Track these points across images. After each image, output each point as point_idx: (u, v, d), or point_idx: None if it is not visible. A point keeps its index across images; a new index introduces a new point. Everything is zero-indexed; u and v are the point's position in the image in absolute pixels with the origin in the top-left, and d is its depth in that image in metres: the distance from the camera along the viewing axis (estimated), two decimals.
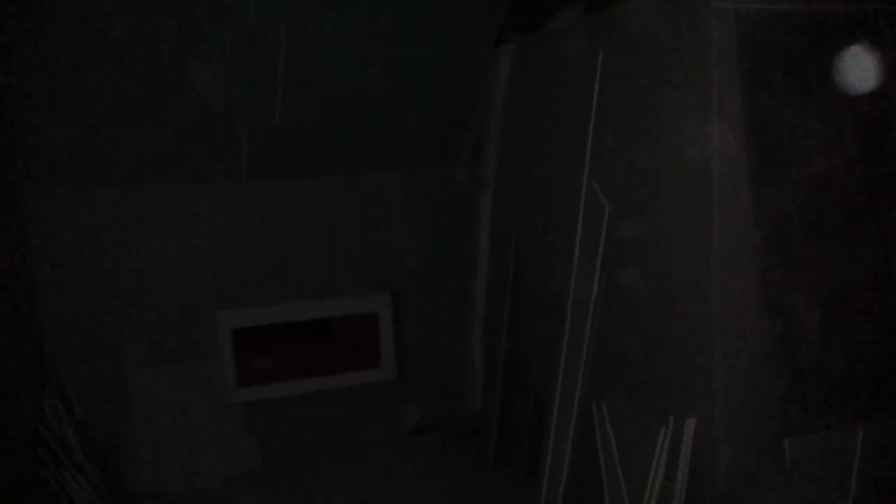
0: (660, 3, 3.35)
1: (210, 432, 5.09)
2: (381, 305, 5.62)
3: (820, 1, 3.19)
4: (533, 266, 4.85)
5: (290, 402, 5.40)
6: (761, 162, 3.10)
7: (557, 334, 4.16)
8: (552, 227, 4.52)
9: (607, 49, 3.81)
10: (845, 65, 3.17)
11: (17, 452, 3.80)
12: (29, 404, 4.17)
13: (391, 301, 5.64)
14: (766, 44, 3.08)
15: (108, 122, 4.51)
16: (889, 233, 3.29)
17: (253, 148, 4.94)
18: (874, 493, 2.94)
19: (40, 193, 4.65)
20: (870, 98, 3.25)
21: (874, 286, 3.26)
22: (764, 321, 3.11)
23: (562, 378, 4.10)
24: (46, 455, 4.10)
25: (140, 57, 4.30)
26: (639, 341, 3.60)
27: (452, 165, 5.74)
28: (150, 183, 4.91)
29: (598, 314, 3.88)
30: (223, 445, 5.14)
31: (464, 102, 5.36)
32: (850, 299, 3.23)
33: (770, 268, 3.11)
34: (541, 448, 4.21)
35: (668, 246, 3.38)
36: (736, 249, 3.09)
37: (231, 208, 5.15)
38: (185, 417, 5.04)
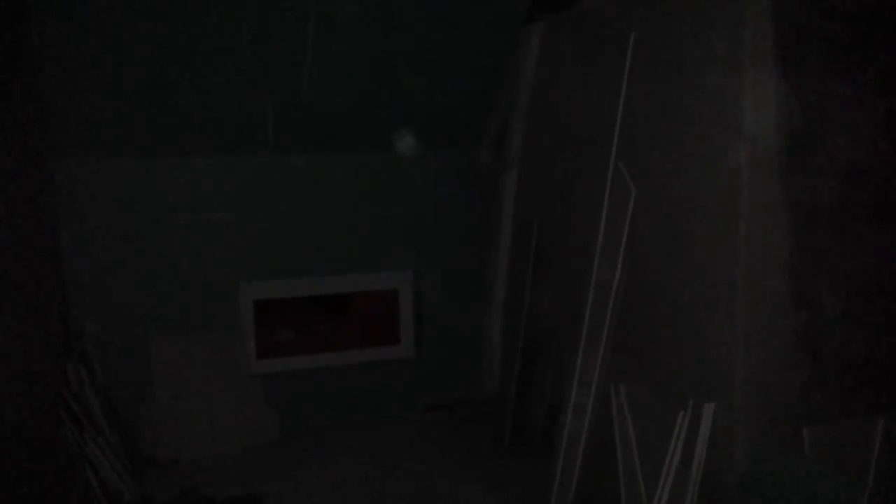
0: None
1: (230, 402, 5.15)
2: (402, 283, 5.64)
3: None
4: (555, 247, 4.84)
5: (309, 374, 5.45)
6: (791, 148, 3.06)
7: (578, 316, 4.14)
8: (576, 209, 4.50)
9: (639, 29, 3.77)
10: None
11: (40, 414, 3.86)
12: (53, 368, 4.24)
13: (412, 279, 5.65)
14: (802, 28, 3.03)
15: (137, 92, 4.55)
16: None
17: (280, 121, 4.96)
18: (892, 483, 2.92)
19: (69, 162, 4.71)
20: None
21: None
22: (788, 310, 3.08)
23: (581, 360, 4.09)
24: (68, 418, 4.17)
25: (169, 28, 4.31)
26: (661, 326, 3.58)
27: (478, 145, 5.72)
28: (178, 154, 4.95)
29: (621, 297, 3.86)
30: (242, 415, 5.20)
31: (491, 81, 5.33)
32: (873, 290, 3.19)
33: (796, 256, 3.08)
34: (557, 429, 4.22)
35: (694, 231, 3.35)
36: (763, 236, 3.05)
37: (257, 181, 5.18)
38: (206, 386, 5.10)
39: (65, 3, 4.07)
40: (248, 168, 5.14)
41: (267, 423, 5.29)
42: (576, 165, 4.54)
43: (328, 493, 4.45)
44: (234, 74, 4.61)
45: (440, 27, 4.78)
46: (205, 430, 5.08)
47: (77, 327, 4.76)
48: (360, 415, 5.57)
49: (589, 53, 4.38)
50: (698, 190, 3.33)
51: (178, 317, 5.07)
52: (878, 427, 2.98)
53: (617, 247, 3.88)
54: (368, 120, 5.16)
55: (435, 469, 4.76)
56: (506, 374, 5.42)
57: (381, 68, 4.89)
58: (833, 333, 3.12)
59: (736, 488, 3.06)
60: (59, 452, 4.06)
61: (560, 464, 4.08)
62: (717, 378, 3.16)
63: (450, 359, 5.82)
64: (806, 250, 3.08)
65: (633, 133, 3.84)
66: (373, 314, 5.80)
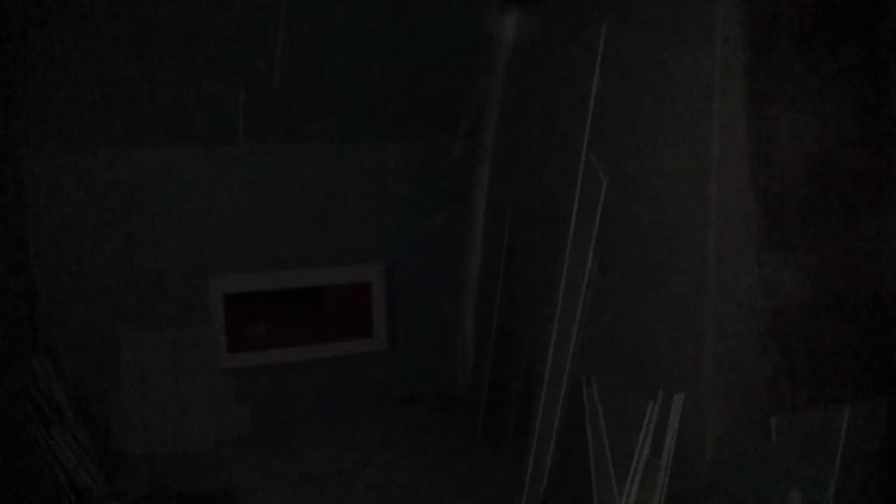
0: None
1: (200, 396, 5.10)
2: (375, 275, 5.62)
3: None
4: (527, 239, 4.84)
5: (282, 368, 5.42)
6: (761, 137, 3.07)
7: (550, 308, 4.15)
8: (548, 201, 4.50)
9: (611, 20, 3.77)
10: None
11: (5, 408, 3.80)
12: (19, 363, 4.17)
13: (385, 271, 5.63)
14: (773, 17, 3.04)
15: (105, 82, 4.47)
16: (884, 215, 3.28)
17: (250, 111, 4.91)
18: (858, 471, 2.95)
19: (35, 153, 4.63)
20: (870, 78, 3.22)
21: (866, 268, 3.26)
22: (756, 300, 3.10)
23: (552, 352, 4.10)
24: (35, 414, 4.11)
25: (137, 16, 4.24)
26: (631, 317, 3.59)
27: (451, 137, 5.70)
28: (146, 144, 4.89)
29: (592, 289, 3.87)
30: (213, 410, 5.15)
31: (464, 72, 5.31)
32: (841, 280, 3.22)
33: (765, 246, 3.10)
34: (529, 421, 4.22)
35: (664, 222, 3.36)
36: (732, 227, 3.07)
37: (227, 172, 5.13)
38: (176, 381, 5.05)
39: None
40: (217, 159, 5.09)
41: (238, 417, 5.25)
42: (548, 157, 4.54)
43: (300, 487, 4.43)
44: (202, 63, 4.55)
45: (414, 16, 4.75)
46: (175, 424, 5.03)
47: (43, 322, 4.69)
48: (333, 408, 5.54)
49: (562, 44, 4.38)
50: (669, 182, 3.34)
51: (148, 311, 5.00)
52: (845, 416, 3.01)
53: (588, 238, 3.88)
54: (340, 110, 5.13)
55: (408, 462, 4.75)
56: (479, 366, 5.43)
57: (354, 58, 4.85)
58: (800, 324, 3.15)
59: (705, 477, 3.08)
60: (25, 447, 4.00)
61: (532, 455, 4.09)
62: (687, 369, 3.18)
63: (423, 351, 5.81)
64: (774, 240, 3.10)
65: (605, 124, 3.84)
66: (345, 307, 5.77)
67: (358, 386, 5.64)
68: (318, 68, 4.83)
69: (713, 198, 3.05)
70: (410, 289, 5.73)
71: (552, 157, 4.47)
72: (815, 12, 3.12)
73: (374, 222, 5.56)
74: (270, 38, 4.56)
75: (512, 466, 4.40)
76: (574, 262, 4.00)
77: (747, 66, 3.03)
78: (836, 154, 3.20)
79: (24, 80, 4.31)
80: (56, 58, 4.27)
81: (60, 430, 4.20)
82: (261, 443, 5.11)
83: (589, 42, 3.91)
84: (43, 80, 4.35)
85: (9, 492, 3.62)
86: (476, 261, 5.67)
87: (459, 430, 5.24)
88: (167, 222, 5.00)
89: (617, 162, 3.73)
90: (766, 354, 3.10)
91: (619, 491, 3.33)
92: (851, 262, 3.23)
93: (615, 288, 3.73)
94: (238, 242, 5.21)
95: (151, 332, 5.00)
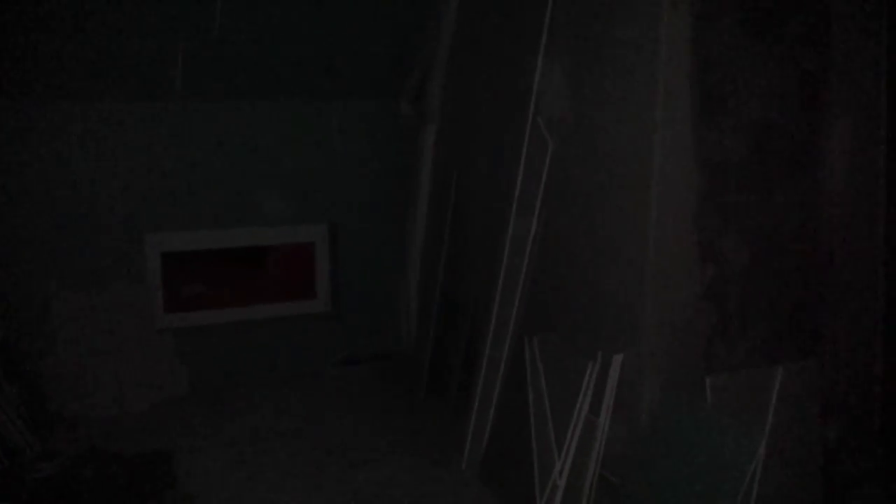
0: None
1: (137, 357, 5.00)
2: (318, 236, 5.56)
3: None
4: (473, 202, 4.84)
5: (222, 329, 5.34)
6: (704, 105, 3.11)
7: (494, 270, 4.17)
8: (494, 163, 4.49)
9: None
10: None
11: None
12: None
13: (328, 232, 5.57)
14: None
15: (36, 34, 4.27)
16: (823, 181, 3.36)
17: (189, 66, 4.75)
18: (788, 430, 3.06)
19: None
20: (811, 48, 3.27)
21: (801, 232, 3.34)
22: (695, 263, 3.16)
23: (496, 313, 4.12)
24: None
25: None
26: (573, 279, 3.63)
27: (397, 96, 5.63)
28: (80, 98, 4.70)
29: (536, 251, 3.90)
30: (150, 371, 5.06)
31: (411, 32, 5.24)
32: (777, 244, 3.30)
33: (705, 211, 3.15)
34: (472, 380, 4.26)
35: (607, 185, 3.39)
36: (673, 191, 3.11)
37: (164, 128, 4.98)
38: (112, 341, 4.93)
39: None
40: (154, 114, 4.93)
41: (177, 378, 5.16)
42: (494, 119, 4.52)
43: (240, 448, 4.39)
44: (139, 15, 4.38)
45: None
46: (112, 385, 4.93)
47: None
48: (275, 370, 5.49)
49: (509, 6, 4.34)
50: (613, 144, 3.36)
51: (81, 270, 4.86)
52: (777, 376, 3.10)
53: (533, 201, 3.89)
54: (284, 67, 5.01)
55: (351, 421, 4.75)
56: (423, 328, 5.43)
57: (297, 13, 4.73)
58: (738, 286, 3.22)
59: (642, 435, 3.15)
60: None
61: (474, 415, 4.13)
62: (626, 330, 3.23)
63: (367, 313, 5.78)
64: (714, 205, 3.16)
65: (552, 87, 3.83)
66: (289, 268, 5.71)
67: (300, 348, 5.60)
68: (260, 21, 4.70)
69: (655, 162, 3.08)
70: (354, 250, 5.68)
71: (499, 119, 4.45)
72: None
73: (318, 182, 5.48)
74: None
75: (454, 425, 4.44)
76: (519, 224, 4.01)
77: (693, 33, 3.05)
78: (777, 121, 3.26)
79: None
80: None
81: None
82: (200, 404, 5.04)
83: (537, 4, 3.89)
84: None
85: None
86: (421, 222, 5.64)
87: (403, 389, 5.26)
88: (100, 179, 4.85)
89: (562, 125, 3.74)
90: (703, 316, 3.17)
91: (559, 449, 3.39)
92: (788, 226, 3.31)
93: (558, 249, 3.76)
94: (176, 200, 5.08)
95: (85, 291, 4.87)
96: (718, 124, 3.14)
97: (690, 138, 3.10)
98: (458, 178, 5.01)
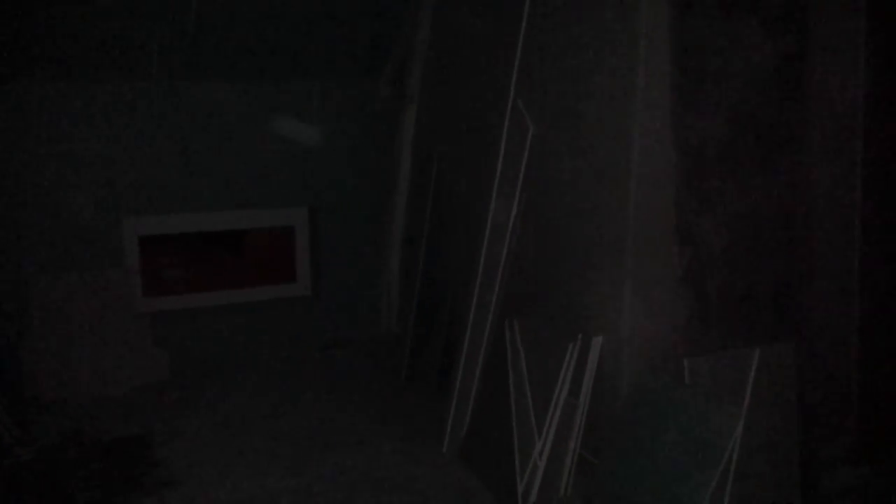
0: None
1: (115, 341, 4.97)
2: (298, 219, 5.53)
3: None
4: (453, 185, 4.83)
5: (201, 313, 5.31)
6: (684, 87, 3.11)
7: (475, 253, 4.17)
8: (475, 146, 4.48)
9: None
10: None
11: None
12: None
13: (308, 215, 5.54)
14: None
15: (16, 16, 4.20)
16: (799, 164, 3.38)
17: (166, 48, 4.68)
18: (766, 411, 3.09)
19: None
20: (790, 31, 3.28)
21: (780, 216, 3.37)
22: (674, 246, 3.17)
23: (477, 296, 4.13)
24: None
25: None
26: (553, 262, 3.64)
27: (377, 79, 5.59)
28: (58, 80, 4.63)
29: (517, 234, 3.90)
30: (130, 355, 5.03)
31: (391, 13, 5.19)
32: (755, 228, 3.32)
33: (684, 193, 3.16)
34: (453, 363, 4.27)
35: (587, 169, 3.39)
36: (653, 174, 3.12)
37: (142, 110, 4.93)
38: (90, 326, 4.90)
39: None
40: (132, 96, 4.87)
41: (156, 362, 5.14)
42: (475, 102, 4.51)
43: (220, 432, 4.38)
44: None
45: None
46: (90, 369, 4.90)
47: None
48: (255, 354, 5.47)
49: None
50: (593, 129, 3.36)
51: (59, 253, 4.82)
52: (755, 358, 3.13)
53: (514, 185, 3.89)
54: (261, 47, 4.96)
55: (331, 405, 4.75)
56: (404, 311, 5.43)
57: None
58: (716, 269, 3.24)
59: (620, 417, 3.18)
60: None
61: (455, 398, 4.15)
62: (605, 312, 3.25)
63: (347, 297, 5.77)
64: (693, 189, 3.17)
65: (532, 70, 3.82)
66: (269, 251, 5.67)
67: (281, 331, 5.59)
68: (237, 3, 4.64)
69: (635, 146, 3.09)
70: (335, 233, 5.66)
71: (479, 102, 4.43)
72: None
73: (298, 165, 5.44)
74: None
75: (435, 408, 4.45)
76: (499, 208, 4.01)
77: (673, 18, 3.05)
78: (755, 105, 3.27)
79: None
80: None
81: None
82: (180, 388, 5.02)
83: None
84: None
85: None
86: (402, 204, 5.63)
87: (384, 373, 5.26)
88: (78, 162, 4.79)
89: (543, 109, 3.73)
90: (682, 299, 3.19)
91: (539, 430, 3.41)
92: (766, 210, 3.33)
93: (539, 233, 3.76)
94: (154, 183, 5.03)
95: (62, 275, 4.82)
96: (698, 108, 3.15)
97: (670, 123, 3.11)
98: (438, 160, 4.99)
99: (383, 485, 3.77)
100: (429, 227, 5.05)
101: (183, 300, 5.27)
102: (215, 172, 5.18)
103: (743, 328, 3.32)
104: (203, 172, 5.15)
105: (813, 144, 3.39)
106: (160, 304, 5.18)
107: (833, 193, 3.44)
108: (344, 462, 4.00)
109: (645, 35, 3.03)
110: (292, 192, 5.48)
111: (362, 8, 5.01)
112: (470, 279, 4.19)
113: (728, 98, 3.21)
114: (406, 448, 4.17)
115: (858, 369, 3.54)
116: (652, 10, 3.03)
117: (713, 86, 3.18)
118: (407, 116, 5.46)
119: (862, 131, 3.44)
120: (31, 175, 4.68)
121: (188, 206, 5.15)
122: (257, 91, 5.21)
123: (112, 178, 4.89)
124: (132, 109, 4.89)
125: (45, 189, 4.73)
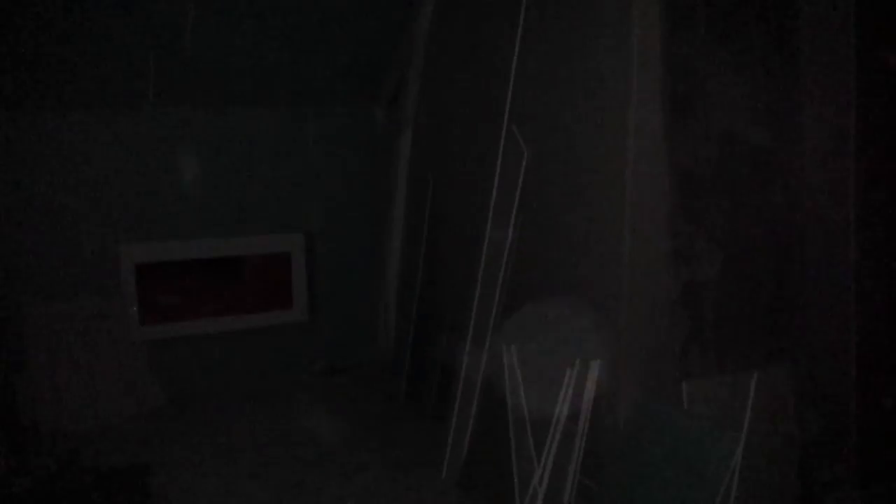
0: None
1: (113, 370, 4.95)
2: (295, 246, 5.53)
3: None
4: (450, 209, 4.84)
5: (198, 340, 5.29)
6: (676, 112, 3.13)
7: (471, 277, 4.17)
8: (470, 170, 4.50)
9: None
10: None
11: None
12: None
13: (305, 241, 5.55)
14: None
15: (11, 44, 4.22)
16: (791, 187, 3.40)
17: (161, 76, 4.71)
18: (765, 433, 3.08)
19: None
20: (780, 54, 3.31)
21: (773, 239, 3.37)
22: (669, 269, 3.17)
23: (474, 321, 4.12)
24: None
25: None
26: (550, 286, 3.64)
27: (373, 104, 5.63)
28: (55, 108, 4.65)
29: (513, 258, 3.90)
30: (126, 383, 5.00)
31: (386, 39, 5.23)
32: (750, 251, 3.33)
33: (677, 217, 3.17)
34: (451, 387, 4.25)
35: (582, 193, 3.40)
36: (646, 198, 3.13)
37: (138, 138, 4.94)
38: (87, 354, 4.88)
39: None
40: (129, 124, 4.89)
41: (153, 390, 5.11)
42: (470, 126, 4.53)
43: (217, 460, 4.35)
44: (111, 25, 4.34)
45: None
46: (87, 398, 4.87)
47: None
48: (252, 381, 5.45)
49: (483, 12, 4.36)
50: (587, 153, 3.37)
51: (55, 281, 4.81)
52: (753, 380, 3.13)
53: (509, 208, 3.90)
54: (257, 74, 4.98)
55: (328, 431, 4.72)
56: (401, 335, 5.42)
57: (271, 22, 4.71)
58: (710, 293, 3.24)
59: (619, 442, 3.16)
60: None
61: (453, 422, 4.13)
62: (603, 336, 3.24)
63: (344, 322, 5.76)
64: (687, 211, 3.18)
65: (526, 95, 3.85)
66: (265, 278, 5.67)
67: (278, 358, 5.57)
68: (231, 30, 4.67)
69: (629, 171, 3.10)
70: (331, 259, 5.66)
71: (474, 127, 4.46)
72: None
73: (294, 190, 5.45)
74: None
75: (434, 433, 4.43)
76: (496, 231, 4.02)
77: (663, 44, 3.07)
78: (746, 129, 3.29)
79: None
80: None
81: None
82: (176, 416, 5.00)
83: (510, 13, 3.90)
84: None
85: None
86: (398, 229, 5.64)
87: (382, 398, 5.24)
88: (74, 189, 4.80)
89: (537, 133, 3.75)
90: (678, 323, 3.18)
91: (538, 455, 3.39)
92: (761, 232, 3.34)
93: (535, 257, 3.77)
94: (150, 211, 5.03)
95: (59, 304, 4.81)
96: (689, 131, 3.17)
97: (662, 145, 3.12)
98: (434, 185, 5.01)
99: None
100: (425, 251, 5.06)
101: (179, 328, 5.25)
102: (211, 199, 5.19)
103: (740, 350, 3.31)
104: (199, 199, 5.15)
105: (805, 165, 3.41)
106: (157, 332, 5.17)
107: (826, 214, 3.45)
108: (342, 490, 3.97)
109: (637, 59, 3.06)
110: (288, 218, 5.48)
111: (357, 34, 5.04)
112: (467, 303, 4.19)
113: (719, 122, 3.23)
114: (404, 475, 4.14)
115: (857, 390, 3.53)
116: (644, 35, 3.05)
117: (704, 110, 3.20)
118: (402, 141, 5.49)
119: (853, 151, 3.46)
120: (27, 203, 4.69)
121: (185, 233, 5.15)
122: (252, 119, 5.23)
123: (109, 205, 4.90)
124: (129, 137, 4.90)
125: (41, 217, 4.73)
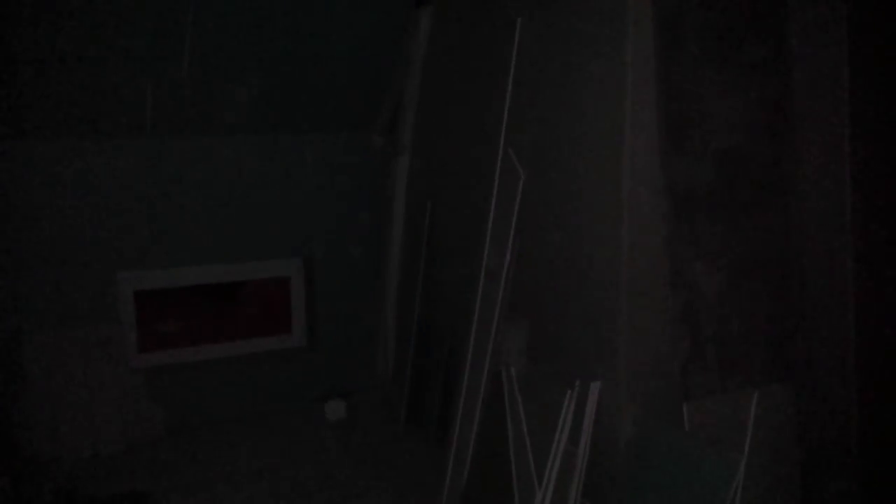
0: None
1: (111, 397, 4.92)
2: (293, 270, 5.53)
3: None
4: (447, 233, 4.85)
5: (197, 367, 5.28)
6: (671, 133, 3.15)
7: (470, 301, 4.17)
8: (467, 194, 4.52)
9: (525, 14, 3.80)
10: None
11: None
12: None
13: (303, 266, 5.55)
14: (681, 13, 3.11)
15: (8, 73, 4.25)
16: (789, 207, 3.41)
17: (159, 103, 4.74)
18: (766, 454, 3.07)
19: None
20: (773, 73, 3.34)
21: (772, 258, 3.38)
22: (667, 289, 3.18)
23: (473, 344, 4.12)
24: None
25: (41, 4, 4.05)
26: (548, 308, 3.64)
27: (369, 129, 5.66)
28: (52, 136, 4.67)
29: (511, 281, 3.91)
30: (125, 410, 4.98)
31: (382, 65, 5.27)
32: (748, 270, 3.33)
33: (675, 237, 3.18)
34: (450, 411, 4.24)
35: (579, 213, 3.42)
36: (644, 218, 3.14)
37: (135, 165, 4.95)
38: (85, 381, 4.85)
39: None
40: (125, 152, 4.90)
41: (152, 418, 5.09)
42: (466, 150, 4.56)
43: (217, 487, 4.33)
44: (108, 53, 4.37)
45: (328, 8, 4.68)
46: (85, 426, 4.84)
47: None
48: (252, 407, 5.43)
49: (478, 38, 4.40)
50: (584, 176, 3.39)
51: (53, 309, 4.79)
52: (754, 401, 3.12)
53: (507, 231, 3.91)
54: (254, 101, 5.01)
55: (329, 458, 4.70)
56: (400, 359, 5.41)
57: (267, 48, 4.75)
58: (711, 311, 3.24)
59: (621, 464, 3.15)
60: None
61: (454, 447, 4.11)
62: (603, 357, 3.24)
63: (343, 347, 5.75)
64: (684, 232, 3.19)
65: (522, 118, 3.87)
66: (264, 303, 5.67)
67: (277, 383, 5.55)
68: (229, 58, 4.71)
69: (626, 191, 3.11)
70: (330, 283, 5.66)
71: (470, 151, 4.48)
72: (720, 10, 3.22)
73: (292, 216, 5.47)
74: (179, 26, 4.42)
75: (434, 457, 4.41)
76: (493, 255, 4.02)
77: (657, 63, 3.10)
78: (742, 148, 3.30)
79: None
80: None
81: None
82: (176, 444, 4.97)
83: (505, 37, 3.94)
84: None
85: None
86: (396, 254, 5.64)
87: (381, 423, 5.22)
88: (73, 217, 4.80)
89: (534, 156, 3.77)
90: (678, 344, 3.18)
91: (539, 479, 3.37)
92: (759, 252, 3.35)
93: (533, 280, 3.77)
94: (148, 237, 5.04)
95: (57, 331, 4.80)
96: (685, 152, 3.18)
97: (658, 166, 3.14)
98: (432, 209, 5.02)
99: None
100: (424, 274, 5.07)
101: (178, 354, 5.24)
102: (209, 225, 5.20)
103: (740, 370, 3.31)
104: (197, 225, 5.16)
105: (802, 184, 3.43)
106: (155, 359, 5.15)
107: (825, 232, 3.47)
108: None
109: (631, 81, 3.08)
110: (287, 244, 5.49)
111: (353, 61, 5.08)
112: (466, 326, 4.19)
113: (714, 142, 3.25)
114: (405, 501, 4.12)
115: (859, 409, 3.53)
116: (638, 57, 3.08)
117: (699, 130, 3.21)
118: (400, 166, 5.51)
119: (850, 169, 3.48)
120: (24, 231, 4.69)
121: (184, 259, 5.16)
122: (250, 145, 5.25)
123: (106, 232, 4.90)
124: (126, 165, 4.91)
125: (39, 245, 4.73)
